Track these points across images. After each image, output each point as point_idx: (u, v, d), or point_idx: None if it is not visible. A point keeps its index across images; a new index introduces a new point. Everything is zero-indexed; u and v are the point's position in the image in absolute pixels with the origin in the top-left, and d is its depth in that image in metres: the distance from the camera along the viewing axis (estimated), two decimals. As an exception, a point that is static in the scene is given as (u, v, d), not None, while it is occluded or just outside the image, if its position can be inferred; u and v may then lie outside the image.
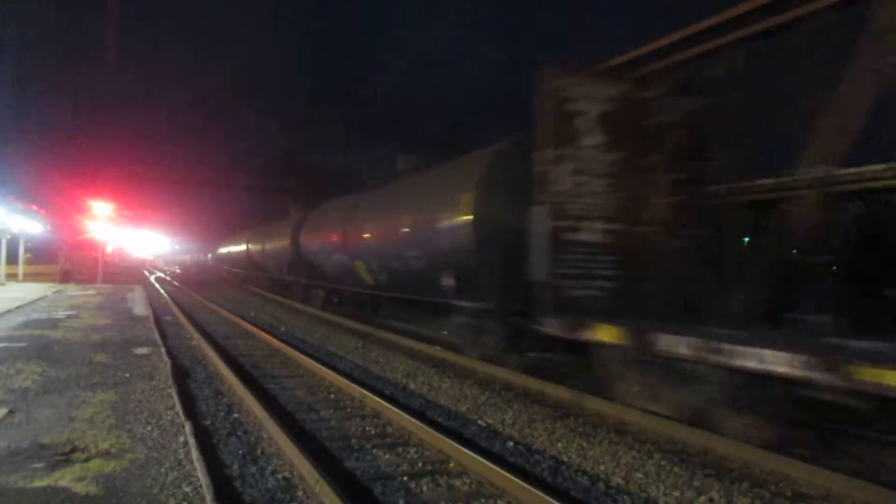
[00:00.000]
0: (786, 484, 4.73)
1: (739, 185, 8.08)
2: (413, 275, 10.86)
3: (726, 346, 4.98)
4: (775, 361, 4.59)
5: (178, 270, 66.96)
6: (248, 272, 32.12)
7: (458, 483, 4.69)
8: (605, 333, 6.27)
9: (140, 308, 17.51)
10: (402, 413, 6.16)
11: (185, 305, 19.58)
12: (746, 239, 8.08)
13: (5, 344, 10.22)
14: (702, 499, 4.47)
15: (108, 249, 43.42)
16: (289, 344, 10.98)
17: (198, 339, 11.46)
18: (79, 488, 4.24)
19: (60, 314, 15.30)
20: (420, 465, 5.06)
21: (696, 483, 4.72)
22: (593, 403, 6.85)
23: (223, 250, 46.00)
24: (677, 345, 5.43)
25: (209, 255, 58.48)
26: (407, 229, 10.88)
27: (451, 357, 9.86)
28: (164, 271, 60.98)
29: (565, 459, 5.30)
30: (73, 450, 5.00)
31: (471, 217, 8.57)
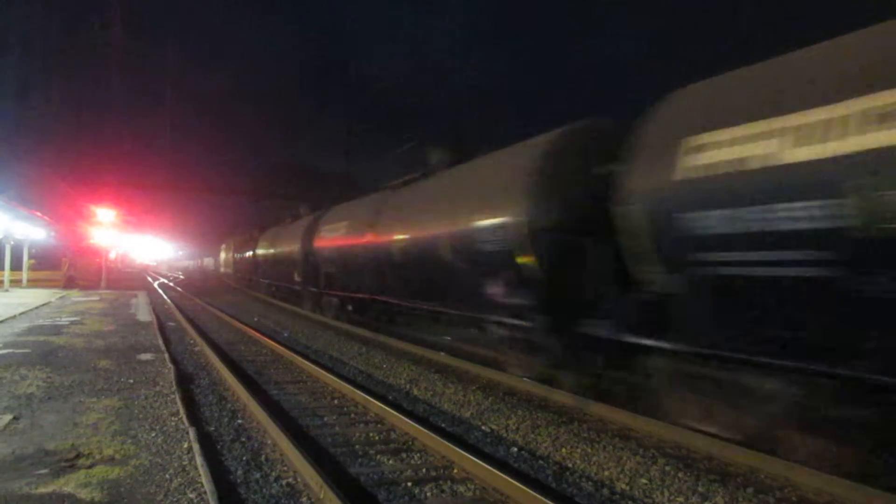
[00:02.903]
0: (791, 489, 4.72)
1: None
2: (452, 283, 9.53)
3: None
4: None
5: (181, 276, 66.97)
6: (256, 279, 29.64)
7: (462, 489, 4.69)
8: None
9: (143, 314, 17.54)
10: (405, 419, 6.16)
11: (188, 311, 19.60)
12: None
13: (10, 350, 10.25)
14: (707, 504, 4.46)
15: (112, 255, 43.55)
16: (292, 349, 10.99)
17: (201, 345, 11.48)
18: (83, 494, 4.25)
19: (64, 320, 15.32)
20: (424, 470, 5.06)
21: (700, 488, 4.71)
22: (597, 409, 6.84)
23: (228, 255, 42.23)
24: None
25: (212, 261, 58.01)
26: (444, 231, 9.44)
27: (454, 363, 9.85)
28: (167, 277, 60.99)
29: (569, 465, 5.29)
30: (78, 456, 5.00)
31: (523, 217, 7.52)
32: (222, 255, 47.11)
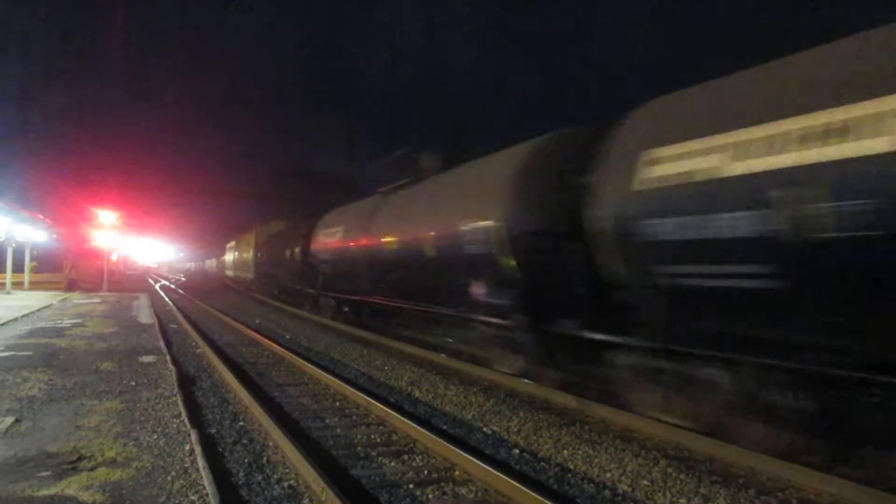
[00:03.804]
0: (792, 491, 4.71)
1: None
2: None
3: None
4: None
5: (182, 278, 66.89)
6: (314, 291, 18.41)
7: (464, 491, 4.68)
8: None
9: (145, 316, 17.55)
10: (407, 421, 6.16)
11: (189, 313, 19.61)
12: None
13: (12, 352, 10.26)
14: (709, 506, 4.44)
15: (113, 258, 43.58)
16: (294, 352, 11.00)
17: (203, 347, 11.49)
18: (85, 497, 4.25)
19: (66, 322, 15.34)
20: (426, 472, 5.06)
21: (702, 490, 4.70)
22: (599, 410, 6.84)
23: (244, 255, 30.99)
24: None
25: (215, 262, 57.20)
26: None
27: (455, 364, 9.85)
28: (168, 279, 60.91)
29: (571, 467, 5.28)
30: (80, 458, 5.01)
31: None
32: (230, 256, 38.40)
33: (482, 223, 8.46)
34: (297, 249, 19.88)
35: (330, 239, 16.35)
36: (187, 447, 5.32)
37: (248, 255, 30.32)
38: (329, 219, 17.49)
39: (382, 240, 12.53)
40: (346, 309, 16.34)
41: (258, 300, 27.07)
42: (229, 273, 39.35)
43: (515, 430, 6.35)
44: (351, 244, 14.53)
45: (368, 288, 13.80)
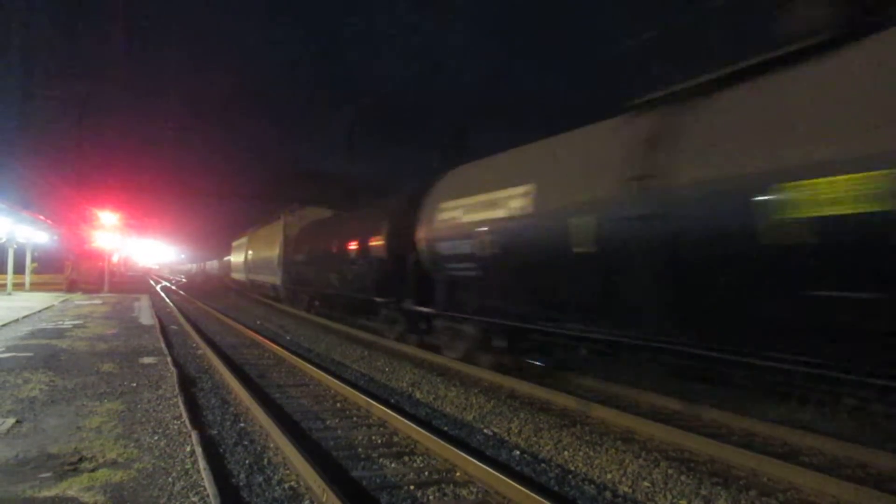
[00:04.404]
0: (794, 492, 4.71)
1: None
2: None
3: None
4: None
5: (183, 280, 66.84)
6: (425, 308, 11.07)
7: (464, 492, 4.68)
8: None
9: (146, 317, 17.56)
10: (408, 422, 6.16)
11: (190, 315, 19.63)
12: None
13: (12, 353, 10.27)
14: (710, 507, 4.44)
15: (114, 259, 43.60)
16: (295, 353, 11.00)
17: (204, 349, 11.49)
18: (87, 498, 4.25)
19: (67, 324, 15.35)
20: (426, 473, 5.06)
21: (703, 492, 4.70)
22: (599, 412, 6.85)
23: (267, 254, 23.90)
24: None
25: (217, 264, 57.01)
26: None
27: (456, 366, 9.85)
28: (169, 280, 60.85)
29: (572, 468, 5.29)
30: (81, 459, 5.01)
31: None
32: (240, 256, 32.54)
33: None
34: (374, 243, 12.98)
35: (479, 216, 8.73)
36: (188, 448, 5.32)
37: (271, 253, 22.53)
38: (464, 180, 9.92)
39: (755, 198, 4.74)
40: (500, 343, 9.20)
41: (258, 302, 27.07)
42: (238, 276, 32.18)
43: (516, 431, 6.35)
44: (575, 220, 6.67)
45: (662, 317, 6.06)
